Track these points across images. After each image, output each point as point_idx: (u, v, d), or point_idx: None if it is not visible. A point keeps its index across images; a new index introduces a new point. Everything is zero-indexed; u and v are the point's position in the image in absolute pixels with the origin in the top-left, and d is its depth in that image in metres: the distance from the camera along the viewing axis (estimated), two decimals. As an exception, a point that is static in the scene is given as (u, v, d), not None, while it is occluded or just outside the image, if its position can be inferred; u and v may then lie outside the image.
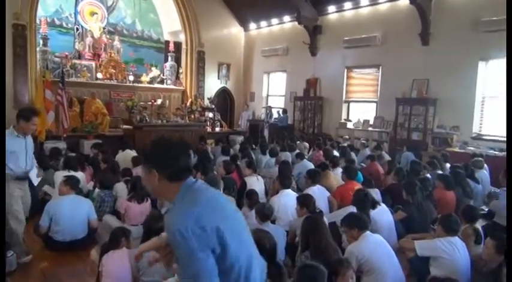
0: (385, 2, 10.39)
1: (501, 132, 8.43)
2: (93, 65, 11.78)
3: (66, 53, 11.47)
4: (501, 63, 8.49)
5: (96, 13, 12.19)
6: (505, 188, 4.97)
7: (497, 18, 8.08)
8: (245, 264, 1.63)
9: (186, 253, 1.52)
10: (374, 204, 4.18)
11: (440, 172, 6.09)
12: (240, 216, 1.81)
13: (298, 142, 9.84)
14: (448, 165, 6.85)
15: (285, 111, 12.99)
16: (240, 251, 1.61)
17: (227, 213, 1.68)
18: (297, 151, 8.10)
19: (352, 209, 3.96)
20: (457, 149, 8.63)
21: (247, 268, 1.64)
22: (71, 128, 9.38)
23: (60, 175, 5.04)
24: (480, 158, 6.80)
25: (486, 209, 5.69)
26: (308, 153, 9.14)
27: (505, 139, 8.13)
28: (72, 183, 4.41)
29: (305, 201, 3.90)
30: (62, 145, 8.30)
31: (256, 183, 5.34)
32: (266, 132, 13.17)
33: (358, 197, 4.08)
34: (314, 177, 5.15)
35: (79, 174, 5.26)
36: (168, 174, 1.67)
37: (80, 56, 11.83)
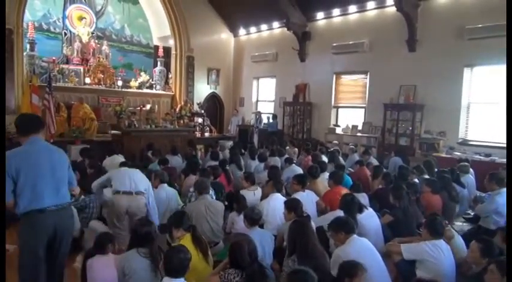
0: (372, 9, 10.53)
1: (486, 137, 8.60)
2: (81, 70, 11.70)
3: (54, 58, 11.38)
4: (486, 70, 8.69)
5: (85, 18, 12.13)
6: (490, 193, 5.05)
7: (482, 25, 8.25)
8: (30, 192, 2.85)
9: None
10: (361, 208, 4.21)
11: (427, 176, 6.15)
12: (49, 170, 2.95)
13: (287, 147, 9.87)
14: (435, 170, 6.93)
15: (274, 116, 13.03)
16: (28, 184, 2.84)
17: (33, 164, 2.89)
18: (286, 156, 8.13)
19: (340, 213, 3.97)
20: (443, 154, 8.74)
21: (32, 195, 2.86)
22: (58, 133, 9.28)
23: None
24: (466, 163, 6.88)
25: (472, 213, 5.77)
26: (297, 158, 9.16)
27: (491, 144, 8.33)
28: None
29: (292, 206, 3.91)
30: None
31: (252, 198, 5.06)
32: (256, 138, 13.19)
33: (345, 201, 4.10)
34: (302, 181, 5.16)
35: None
36: (21, 132, 3.01)
37: (67, 61, 11.76)
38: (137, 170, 4.83)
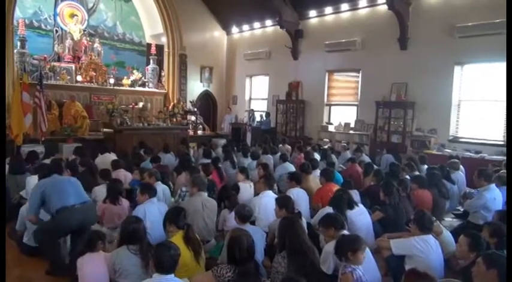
0: (364, 7, 10.58)
1: (477, 135, 8.69)
2: (73, 68, 11.63)
3: (45, 56, 11.30)
4: (476, 67, 8.77)
5: (76, 15, 12.05)
6: (479, 189, 5.11)
7: (472, 23, 8.33)
8: (57, 197, 3.80)
9: (31, 194, 3.95)
10: (351, 204, 4.24)
11: (417, 173, 6.21)
12: (69, 185, 4.00)
13: (280, 145, 9.89)
14: (425, 166, 7.00)
15: (268, 114, 13.06)
16: (54, 193, 3.82)
17: (57, 183, 3.94)
18: (279, 153, 8.16)
19: (329, 209, 4.01)
20: (434, 152, 8.82)
21: (59, 198, 3.80)
22: (50, 131, 9.22)
23: (32, 180, 4.95)
24: (456, 160, 6.96)
25: (461, 210, 5.84)
26: (290, 156, 9.19)
27: (481, 141, 8.44)
28: None
29: (283, 202, 3.93)
30: (40, 149, 8.14)
31: (248, 190, 5.35)
32: (249, 136, 13.19)
33: (334, 198, 4.15)
34: (295, 178, 5.21)
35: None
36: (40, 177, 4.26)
37: (59, 59, 11.68)
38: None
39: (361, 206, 4.46)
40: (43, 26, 11.82)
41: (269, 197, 4.61)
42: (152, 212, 4.01)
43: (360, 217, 4.23)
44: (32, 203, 3.83)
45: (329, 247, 3.19)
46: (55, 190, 3.83)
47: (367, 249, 3.32)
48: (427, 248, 3.31)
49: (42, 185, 3.89)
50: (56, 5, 11.80)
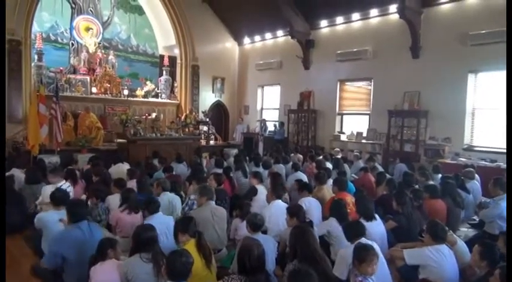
0: (375, 16, 10.60)
1: (492, 143, 8.55)
2: (88, 80, 11.85)
3: (61, 68, 11.55)
4: (490, 75, 8.66)
5: (92, 28, 12.35)
6: (495, 198, 5.03)
7: (485, 31, 8.27)
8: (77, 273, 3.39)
9: (54, 243, 3.52)
10: (371, 216, 4.18)
11: (431, 182, 6.13)
12: (90, 247, 3.32)
13: (292, 154, 9.89)
14: (439, 176, 6.90)
15: (281, 124, 13.09)
16: (73, 265, 3.42)
17: (77, 247, 3.41)
18: (291, 163, 8.16)
19: (333, 221, 4.00)
20: (448, 160, 8.70)
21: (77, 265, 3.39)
22: (65, 142, 9.38)
23: (47, 189, 5.03)
24: (471, 169, 6.84)
25: (477, 219, 5.73)
26: (302, 165, 9.16)
27: (497, 150, 8.28)
28: None
29: (295, 211, 3.92)
30: (55, 159, 8.31)
31: (263, 191, 5.55)
32: (261, 145, 13.22)
33: (332, 207, 4.20)
34: (304, 187, 5.21)
35: (65, 185, 5.26)
36: (69, 218, 3.62)
37: (75, 71, 11.93)
38: None
39: (378, 218, 4.40)
40: (59, 40, 12.11)
41: (278, 207, 4.62)
42: None
43: (375, 228, 4.18)
44: (51, 258, 3.48)
45: (343, 252, 3.17)
46: (77, 272, 3.41)
47: (383, 258, 3.29)
48: (440, 258, 3.26)
49: (65, 246, 3.43)
50: (72, 19, 12.12)
